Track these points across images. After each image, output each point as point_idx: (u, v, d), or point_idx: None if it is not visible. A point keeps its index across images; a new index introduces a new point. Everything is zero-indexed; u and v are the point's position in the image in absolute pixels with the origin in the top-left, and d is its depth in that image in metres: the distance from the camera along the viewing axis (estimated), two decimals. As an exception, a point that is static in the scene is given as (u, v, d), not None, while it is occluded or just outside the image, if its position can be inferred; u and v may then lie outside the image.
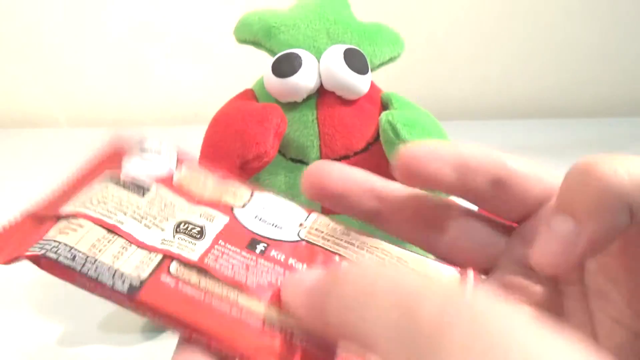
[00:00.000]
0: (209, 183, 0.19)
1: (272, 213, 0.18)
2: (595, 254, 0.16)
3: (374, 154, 0.35)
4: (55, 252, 0.15)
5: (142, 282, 0.15)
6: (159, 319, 0.15)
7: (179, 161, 0.19)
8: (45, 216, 0.17)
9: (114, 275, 0.15)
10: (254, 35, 0.37)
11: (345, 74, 0.34)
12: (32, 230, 0.17)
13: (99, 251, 0.16)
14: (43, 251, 0.15)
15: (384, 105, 0.37)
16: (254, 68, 0.39)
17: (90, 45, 0.75)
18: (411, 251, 0.18)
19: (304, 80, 0.34)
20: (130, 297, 0.15)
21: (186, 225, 0.17)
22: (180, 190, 0.18)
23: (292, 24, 0.36)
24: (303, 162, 0.35)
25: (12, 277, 0.38)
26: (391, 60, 0.38)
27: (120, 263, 0.16)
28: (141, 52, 0.76)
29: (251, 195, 0.19)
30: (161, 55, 0.76)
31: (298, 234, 0.18)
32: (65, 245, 0.16)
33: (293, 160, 0.35)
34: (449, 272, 0.18)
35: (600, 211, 0.14)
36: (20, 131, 0.74)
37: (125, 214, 0.17)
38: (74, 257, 0.15)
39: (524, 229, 0.21)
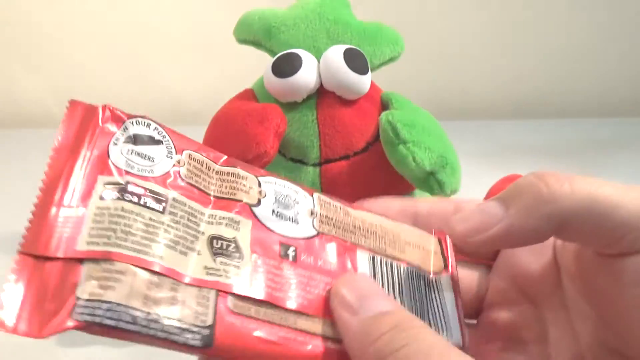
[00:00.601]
0: (213, 175, 0.18)
1: (285, 204, 0.18)
2: (505, 246, 0.18)
3: (374, 154, 0.35)
4: (111, 318, 0.13)
5: (211, 331, 0.14)
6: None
7: (178, 149, 0.17)
8: (54, 257, 0.14)
9: (182, 331, 0.14)
10: (254, 35, 0.37)
11: (345, 74, 0.34)
12: (51, 281, 0.14)
13: (154, 303, 0.14)
14: (97, 318, 0.13)
15: (384, 105, 0.37)
16: (254, 68, 0.39)
17: (91, 45, 0.75)
18: (397, 222, 0.20)
19: (304, 80, 0.34)
20: (205, 350, 0.14)
21: (220, 244, 0.16)
22: (191, 191, 0.17)
23: (292, 24, 0.36)
24: (303, 162, 0.35)
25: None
26: (391, 60, 0.38)
27: (180, 312, 0.14)
28: (141, 52, 0.76)
29: (259, 186, 0.18)
30: (161, 55, 0.76)
31: (313, 226, 0.18)
32: (118, 305, 0.14)
33: (293, 160, 0.35)
34: (431, 239, 0.20)
35: (528, 210, 0.16)
36: (20, 131, 0.74)
37: (159, 243, 0.15)
38: (135, 318, 0.14)
39: (501, 260, 0.21)
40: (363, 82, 0.35)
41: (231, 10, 0.41)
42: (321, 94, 0.35)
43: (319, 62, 0.35)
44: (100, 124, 0.17)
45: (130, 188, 0.15)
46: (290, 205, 0.18)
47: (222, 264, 0.16)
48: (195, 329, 0.14)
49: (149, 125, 0.17)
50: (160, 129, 0.17)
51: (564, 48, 0.80)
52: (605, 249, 0.17)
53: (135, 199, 0.15)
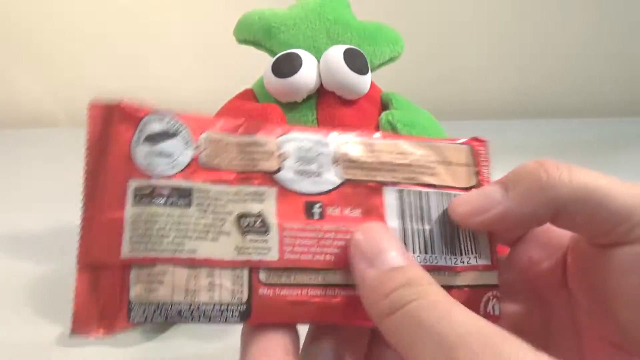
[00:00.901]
0: (233, 150, 0.18)
1: (306, 160, 0.18)
2: (503, 228, 0.18)
3: (374, 154, 0.35)
4: (160, 315, 0.16)
5: (248, 305, 0.16)
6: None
7: (195, 134, 0.18)
8: (105, 265, 0.16)
9: (222, 312, 0.16)
10: (254, 35, 0.37)
11: (345, 74, 0.34)
12: (107, 287, 0.16)
13: (194, 293, 0.16)
14: (148, 318, 0.16)
15: (384, 105, 0.37)
16: (254, 68, 0.39)
17: (91, 45, 0.75)
18: (423, 141, 0.20)
19: (304, 80, 0.34)
20: (244, 322, 0.16)
21: (247, 221, 0.17)
22: (213, 174, 0.18)
23: (292, 24, 0.36)
24: (303, 162, 0.35)
25: (12, 277, 0.38)
26: (391, 60, 0.38)
27: (218, 295, 0.16)
28: (141, 51, 0.76)
29: (279, 148, 0.18)
30: (161, 55, 0.76)
31: (338, 174, 0.18)
32: (164, 304, 0.16)
33: (293, 160, 0.35)
34: (464, 147, 0.20)
35: (527, 195, 0.17)
36: (20, 131, 0.74)
37: (191, 238, 0.17)
38: (180, 312, 0.16)
39: (514, 253, 0.21)
40: (363, 82, 0.35)
41: (231, 11, 0.41)
42: (321, 94, 0.35)
43: (319, 62, 0.35)
44: (119, 124, 0.18)
45: (156, 191, 0.17)
46: (312, 159, 0.18)
47: (251, 241, 0.17)
48: (233, 307, 0.16)
49: (162, 119, 0.18)
50: (173, 120, 0.18)
51: (564, 48, 0.80)
52: (599, 238, 0.17)
53: (163, 201, 0.17)
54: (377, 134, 0.20)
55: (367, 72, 0.35)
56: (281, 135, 0.19)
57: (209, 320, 0.16)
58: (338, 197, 0.18)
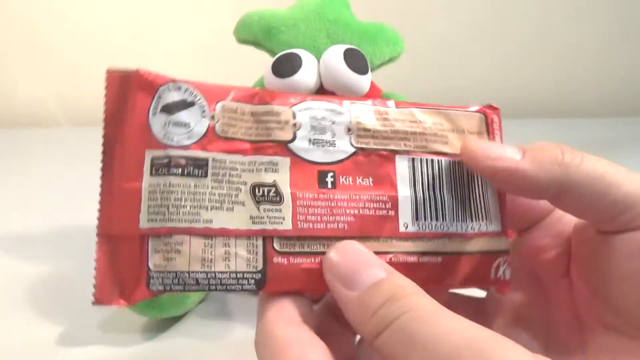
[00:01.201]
0: (248, 119, 0.18)
1: (320, 129, 0.19)
2: (507, 184, 0.18)
3: (374, 154, 0.35)
4: (178, 284, 0.16)
5: (263, 274, 0.17)
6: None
7: (210, 103, 0.18)
8: (124, 236, 0.17)
9: (238, 280, 0.17)
10: (254, 35, 0.37)
11: (345, 74, 0.34)
12: (126, 257, 0.17)
13: (211, 262, 0.17)
14: (167, 286, 0.16)
15: (384, 106, 0.37)
16: (254, 68, 0.39)
17: (91, 44, 0.75)
18: (436, 108, 0.20)
19: (304, 80, 0.34)
20: (259, 290, 0.17)
21: (261, 191, 0.17)
22: (229, 144, 0.18)
23: (292, 24, 0.36)
24: (303, 162, 0.35)
25: (12, 277, 0.38)
26: (391, 60, 0.38)
27: (234, 264, 0.17)
28: (141, 52, 0.76)
29: (294, 117, 0.18)
30: (161, 55, 0.76)
31: (351, 143, 0.19)
32: (182, 272, 0.16)
33: (293, 160, 0.35)
34: (477, 115, 0.21)
35: (539, 163, 0.17)
36: (20, 131, 0.74)
37: (206, 208, 0.17)
38: (197, 280, 0.16)
39: (520, 241, 0.22)
40: (363, 82, 0.35)
41: (231, 11, 0.41)
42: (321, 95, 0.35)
43: (318, 62, 0.35)
44: (137, 92, 0.18)
45: (173, 161, 0.17)
46: (326, 128, 0.19)
47: (265, 211, 0.17)
48: (249, 275, 0.17)
49: (179, 89, 0.18)
50: (191, 89, 0.18)
51: (564, 48, 0.80)
52: (604, 225, 0.18)
53: (180, 171, 0.17)
54: (391, 102, 0.20)
55: (367, 72, 0.35)
56: (296, 105, 0.19)
57: (226, 289, 0.17)
58: (350, 166, 0.18)
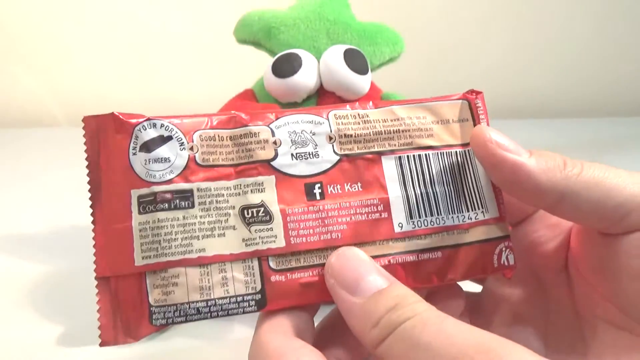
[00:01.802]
0: (227, 144, 0.18)
1: (302, 142, 0.19)
2: (511, 180, 0.18)
3: (374, 154, 0.35)
4: (180, 316, 0.17)
5: (262, 294, 0.17)
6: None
7: (186, 134, 0.18)
8: (122, 275, 0.17)
9: (238, 304, 0.17)
10: (254, 35, 0.37)
11: (345, 74, 0.34)
12: (127, 296, 0.17)
13: (209, 289, 0.17)
14: (169, 320, 0.17)
15: (384, 106, 0.37)
16: (254, 68, 0.39)
17: (91, 45, 0.75)
18: (417, 102, 0.20)
19: (304, 80, 0.34)
20: (261, 310, 0.17)
21: (250, 212, 0.17)
22: (212, 172, 0.18)
23: (292, 24, 0.36)
24: (303, 162, 0.35)
25: (12, 277, 0.38)
26: (391, 60, 0.38)
27: (232, 288, 0.17)
28: (142, 52, 0.76)
29: (272, 134, 0.18)
30: (161, 55, 0.76)
31: (334, 151, 0.19)
32: (182, 304, 0.17)
33: (293, 160, 0.35)
34: (460, 102, 0.20)
35: (542, 167, 0.17)
36: (20, 131, 0.74)
37: (198, 238, 0.17)
38: (198, 310, 0.17)
39: (517, 232, 0.22)
40: (363, 82, 0.35)
41: (231, 11, 0.41)
42: (321, 95, 0.35)
43: (318, 62, 0.35)
44: (115, 134, 0.18)
45: (159, 197, 0.17)
46: (307, 140, 0.19)
47: (256, 232, 0.17)
48: (249, 297, 0.17)
49: (154, 126, 0.18)
50: (166, 123, 0.18)
51: (564, 48, 0.80)
52: (607, 228, 0.18)
53: (166, 205, 0.17)
54: (370, 103, 0.20)
55: (367, 72, 0.35)
56: (273, 122, 0.19)
57: (227, 314, 0.17)
58: (337, 175, 0.18)
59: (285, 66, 0.34)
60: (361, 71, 0.34)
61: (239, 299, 0.17)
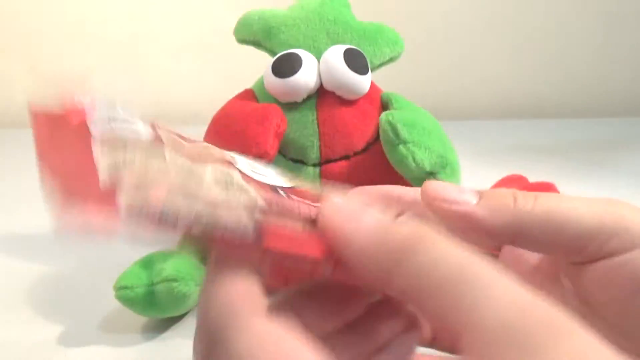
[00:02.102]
0: (189, 146, 0.17)
1: (256, 167, 0.19)
2: (463, 227, 0.18)
3: (374, 154, 0.35)
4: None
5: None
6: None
7: (152, 126, 0.17)
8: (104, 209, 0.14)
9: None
10: (254, 35, 0.37)
11: (345, 74, 0.34)
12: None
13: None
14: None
15: (384, 105, 0.37)
16: (254, 68, 0.39)
17: (90, 45, 0.75)
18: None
19: (304, 80, 0.34)
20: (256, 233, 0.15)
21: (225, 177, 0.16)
22: (177, 150, 0.16)
23: (292, 24, 0.36)
24: (303, 163, 0.35)
25: (12, 277, 0.38)
26: (391, 60, 0.38)
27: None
28: (141, 51, 0.76)
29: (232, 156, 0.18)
30: (161, 55, 0.76)
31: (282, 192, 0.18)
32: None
33: (293, 160, 0.35)
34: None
35: (492, 210, 0.18)
36: (20, 131, 0.74)
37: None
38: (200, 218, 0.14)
39: (504, 255, 0.21)
40: (363, 82, 0.35)
41: (231, 11, 0.41)
42: (321, 94, 0.35)
43: (319, 62, 0.35)
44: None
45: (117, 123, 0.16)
46: (261, 168, 0.19)
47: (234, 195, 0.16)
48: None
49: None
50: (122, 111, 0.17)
51: (565, 49, 0.80)
52: (571, 258, 0.18)
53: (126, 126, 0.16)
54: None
55: (367, 72, 0.35)
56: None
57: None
58: (295, 192, 0.18)
59: (285, 66, 0.34)
60: (361, 71, 0.34)
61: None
